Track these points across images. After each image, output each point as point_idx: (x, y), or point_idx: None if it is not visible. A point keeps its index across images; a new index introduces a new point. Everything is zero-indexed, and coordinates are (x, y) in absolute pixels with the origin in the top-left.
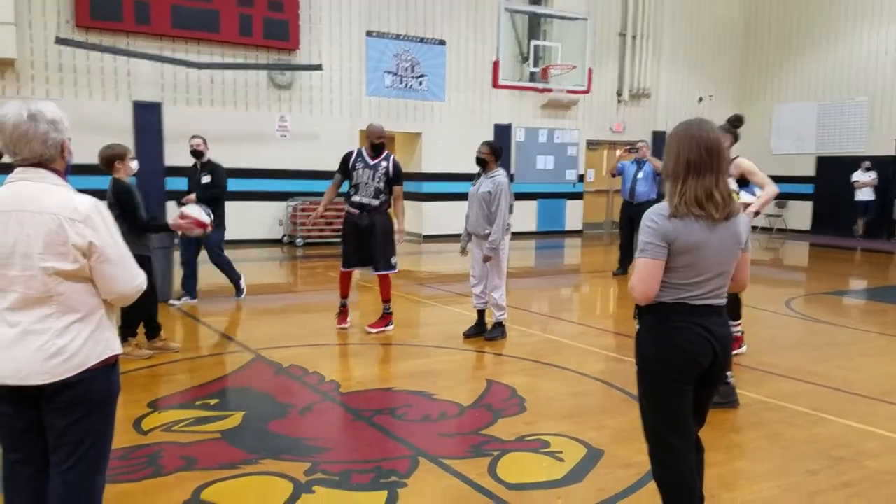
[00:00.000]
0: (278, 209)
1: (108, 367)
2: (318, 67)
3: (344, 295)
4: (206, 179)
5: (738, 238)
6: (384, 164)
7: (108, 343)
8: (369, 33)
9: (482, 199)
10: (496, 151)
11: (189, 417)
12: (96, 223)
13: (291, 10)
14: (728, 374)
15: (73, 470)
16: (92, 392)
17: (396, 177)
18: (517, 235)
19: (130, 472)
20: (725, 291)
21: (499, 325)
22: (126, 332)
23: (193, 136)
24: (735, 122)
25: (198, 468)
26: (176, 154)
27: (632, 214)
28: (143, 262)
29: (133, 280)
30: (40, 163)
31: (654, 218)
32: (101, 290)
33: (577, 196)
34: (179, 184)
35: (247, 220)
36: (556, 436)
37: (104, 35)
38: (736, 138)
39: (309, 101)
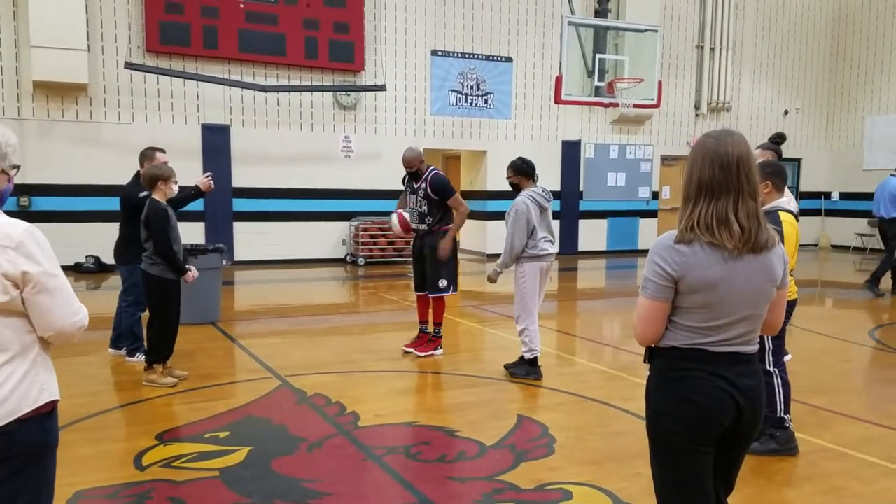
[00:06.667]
0: (342, 229)
1: (44, 416)
2: (381, 88)
3: (419, 319)
4: None
5: (773, 274)
6: (423, 185)
7: (43, 386)
8: (434, 52)
9: (505, 222)
10: (522, 170)
11: (193, 452)
12: (31, 250)
13: (357, 31)
14: (786, 417)
15: None
16: (23, 445)
17: (439, 193)
18: (585, 255)
19: None
20: (757, 336)
21: (523, 362)
22: (150, 359)
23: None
24: (776, 139)
25: None
26: (244, 176)
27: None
28: (169, 285)
29: (73, 315)
30: None
31: (659, 250)
32: (36, 325)
33: (651, 214)
34: (246, 205)
35: (311, 239)
36: (581, 485)
37: (173, 59)
38: (779, 156)
39: (373, 121)
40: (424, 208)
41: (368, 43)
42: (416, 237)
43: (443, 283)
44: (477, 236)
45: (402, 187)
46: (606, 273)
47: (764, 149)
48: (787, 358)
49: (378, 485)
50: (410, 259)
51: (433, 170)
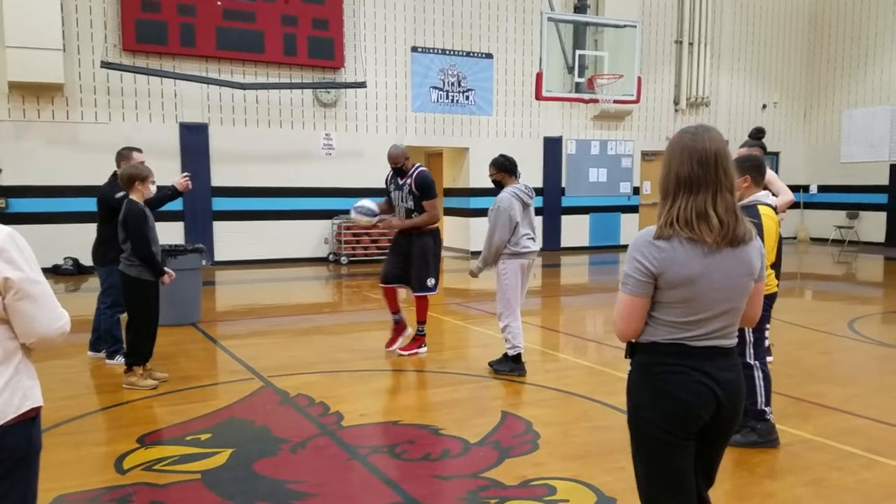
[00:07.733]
0: (324, 227)
1: (28, 422)
2: (362, 85)
3: (391, 310)
4: None
5: (750, 268)
6: (408, 182)
7: (26, 393)
8: (415, 49)
9: (488, 219)
10: (504, 167)
11: (174, 455)
12: (12, 256)
13: (336, 28)
14: (767, 409)
15: None
16: (7, 451)
17: (421, 191)
18: (568, 251)
19: None
20: (735, 330)
21: (507, 359)
22: (130, 361)
23: None
24: (756, 135)
25: None
26: (223, 175)
27: None
28: (147, 286)
29: (56, 321)
30: None
31: (639, 246)
32: (18, 332)
33: (633, 209)
34: (226, 204)
35: (293, 238)
36: (566, 480)
37: (150, 58)
38: (764, 150)
39: (354, 119)
40: (410, 204)
41: (348, 39)
42: (402, 234)
43: (431, 281)
44: (460, 233)
45: (384, 185)
46: (589, 269)
47: (749, 147)
48: (769, 359)
49: (363, 484)
50: None
51: (419, 167)
